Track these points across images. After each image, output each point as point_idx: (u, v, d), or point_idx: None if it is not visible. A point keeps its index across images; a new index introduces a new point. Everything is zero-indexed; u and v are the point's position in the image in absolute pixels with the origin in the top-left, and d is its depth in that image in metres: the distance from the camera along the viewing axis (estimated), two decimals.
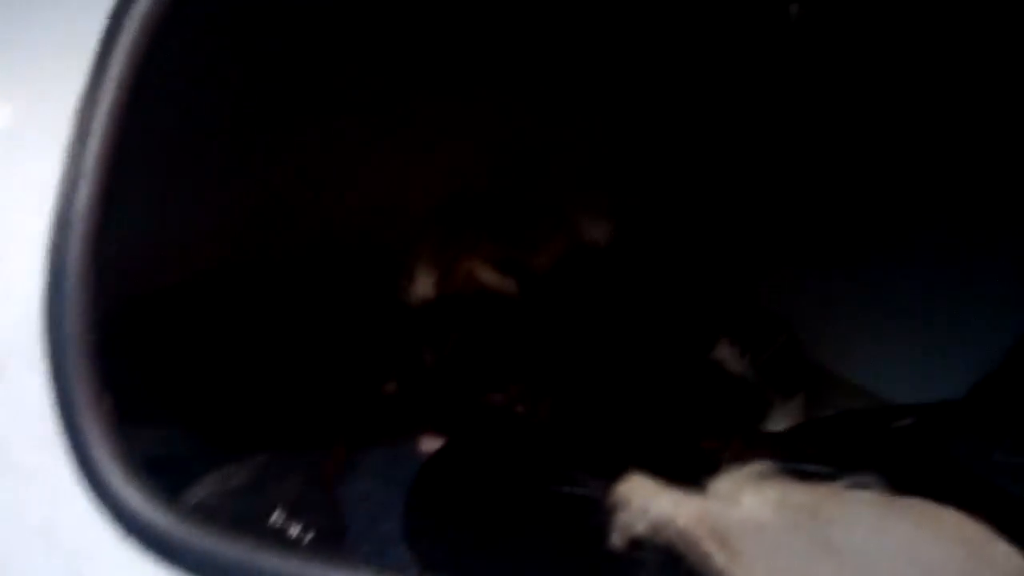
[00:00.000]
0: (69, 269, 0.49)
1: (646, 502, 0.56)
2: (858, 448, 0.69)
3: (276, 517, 0.61)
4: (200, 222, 0.83)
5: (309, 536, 0.63)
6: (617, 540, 0.57)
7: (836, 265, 1.24)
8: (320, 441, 0.82)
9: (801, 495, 0.58)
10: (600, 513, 0.57)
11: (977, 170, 1.10)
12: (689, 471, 0.62)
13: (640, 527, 0.56)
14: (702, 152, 1.23)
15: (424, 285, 1.00)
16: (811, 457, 0.68)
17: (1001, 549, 0.56)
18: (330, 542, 0.65)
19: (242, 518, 0.60)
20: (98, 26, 0.51)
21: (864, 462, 0.66)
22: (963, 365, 1.05)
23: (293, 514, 0.62)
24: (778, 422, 0.93)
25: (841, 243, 1.25)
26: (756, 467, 0.61)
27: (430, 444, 0.85)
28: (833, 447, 0.70)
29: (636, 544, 0.57)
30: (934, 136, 1.12)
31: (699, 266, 1.06)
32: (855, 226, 1.24)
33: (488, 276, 0.98)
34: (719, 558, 0.54)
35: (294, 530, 0.62)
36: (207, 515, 0.59)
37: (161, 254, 0.78)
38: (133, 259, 0.56)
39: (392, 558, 0.71)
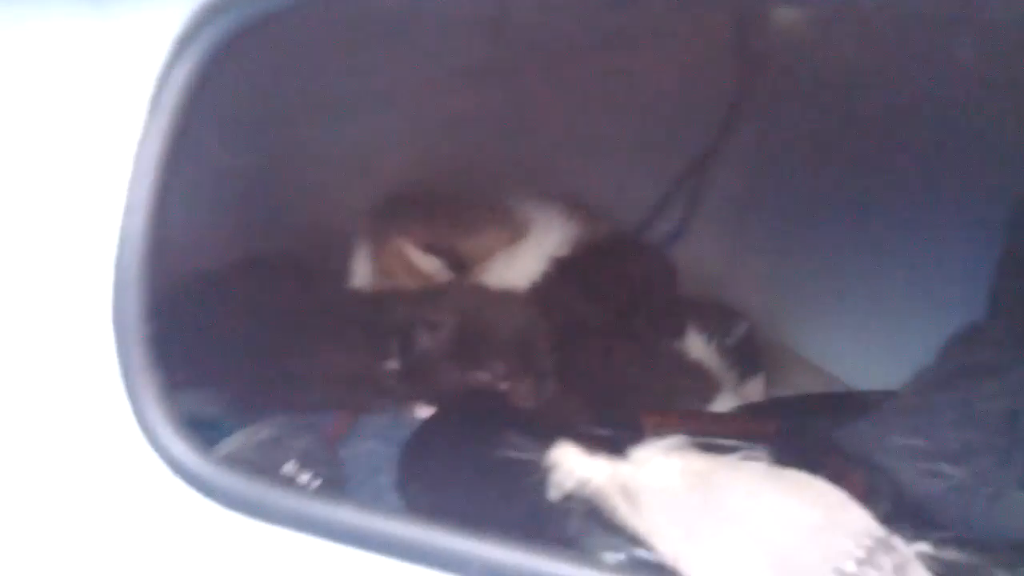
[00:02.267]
0: (128, 276, 0.66)
1: (571, 465, 0.71)
2: (763, 430, 0.83)
3: (288, 467, 0.77)
4: (220, 225, 1.01)
5: (315, 483, 0.79)
6: (553, 493, 0.73)
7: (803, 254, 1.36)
8: (331, 407, 0.99)
9: (700, 464, 0.72)
10: (540, 472, 0.73)
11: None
12: (622, 440, 0.77)
13: (569, 484, 0.72)
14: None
15: (363, 268, 1.14)
16: (723, 434, 0.83)
17: (855, 513, 0.70)
18: (333, 489, 0.82)
19: (262, 466, 0.77)
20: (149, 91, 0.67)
21: (765, 440, 0.81)
22: (913, 350, 1.18)
23: (303, 465, 0.79)
24: (730, 401, 1.08)
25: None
26: (673, 440, 0.76)
27: (424, 412, 1.02)
28: (744, 428, 0.84)
29: (568, 497, 0.72)
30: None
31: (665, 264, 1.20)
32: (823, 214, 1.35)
33: (415, 256, 1.11)
34: (624, 510, 0.69)
35: (303, 478, 0.78)
36: (236, 462, 0.76)
37: (194, 255, 0.96)
38: (177, 261, 0.73)
39: (387, 503, 0.87)
